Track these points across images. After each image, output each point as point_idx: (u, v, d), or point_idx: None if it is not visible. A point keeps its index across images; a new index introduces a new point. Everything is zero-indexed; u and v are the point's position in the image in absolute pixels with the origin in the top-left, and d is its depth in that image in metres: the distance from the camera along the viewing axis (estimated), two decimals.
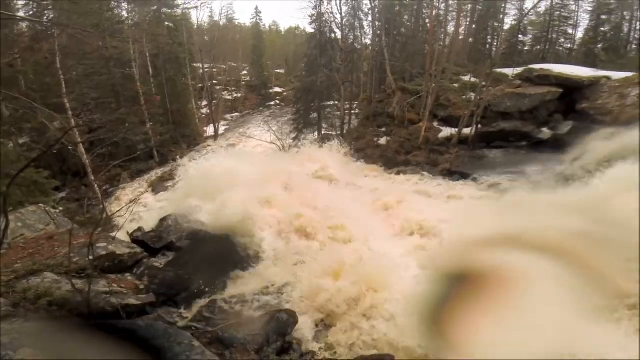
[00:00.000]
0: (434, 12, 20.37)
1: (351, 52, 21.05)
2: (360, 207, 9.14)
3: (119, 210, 5.39)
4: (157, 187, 12.90)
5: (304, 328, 4.58)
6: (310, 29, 21.38)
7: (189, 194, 9.00)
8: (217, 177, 9.85)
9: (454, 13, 21.97)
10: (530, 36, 21.11)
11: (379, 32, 19.62)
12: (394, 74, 17.25)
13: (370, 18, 20.34)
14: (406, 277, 5.66)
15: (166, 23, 21.64)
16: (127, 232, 6.51)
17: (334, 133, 19.92)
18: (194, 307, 4.83)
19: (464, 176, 10.47)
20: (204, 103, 27.59)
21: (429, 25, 18.10)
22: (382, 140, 15.17)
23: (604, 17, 20.28)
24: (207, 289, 5.32)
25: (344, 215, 7.86)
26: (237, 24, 40.43)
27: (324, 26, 20.26)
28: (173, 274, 5.25)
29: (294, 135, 20.94)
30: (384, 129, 15.68)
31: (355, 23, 21.96)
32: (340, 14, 20.50)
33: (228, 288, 5.51)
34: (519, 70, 13.97)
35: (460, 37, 22.06)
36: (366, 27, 22.18)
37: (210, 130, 24.13)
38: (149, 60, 19.02)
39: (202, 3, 20.61)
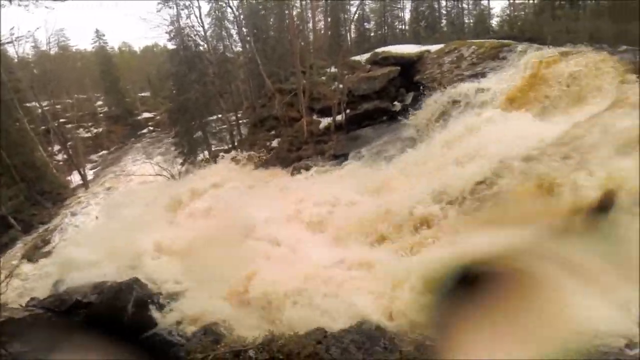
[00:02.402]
0: (295, 11, 23.23)
1: (224, 62, 22.17)
2: (276, 212, 10.69)
3: None
4: (33, 255, 11.91)
5: None
6: (171, 45, 21.66)
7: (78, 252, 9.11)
8: (106, 230, 10.00)
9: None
10: (373, 23, 25.94)
11: (248, 38, 21.32)
12: (270, 76, 19.23)
13: (237, 26, 21.86)
14: None
15: None
16: (20, 306, 6.53)
17: (226, 147, 20.91)
18: None
19: (345, 157, 13.17)
20: (57, 147, 24.64)
21: (289, 25, 20.67)
22: (274, 143, 17.05)
23: None
24: None
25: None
26: (74, 50, 36.59)
27: (187, 40, 20.86)
28: None
29: (181, 160, 21.05)
30: (273, 132, 17.59)
31: (223, 32, 23.15)
32: (202, 26, 21.50)
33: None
34: (367, 55, 17.61)
35: (322, 32, 25.56)
36: (235, 35, 23.62)
37: (76, 178, 21.89)
38: None
39: (17, 37, 18.34)
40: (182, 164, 20.95)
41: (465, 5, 23.88)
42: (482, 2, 23.95)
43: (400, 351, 4.56)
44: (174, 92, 22.08)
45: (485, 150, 8.00)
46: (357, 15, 25.43)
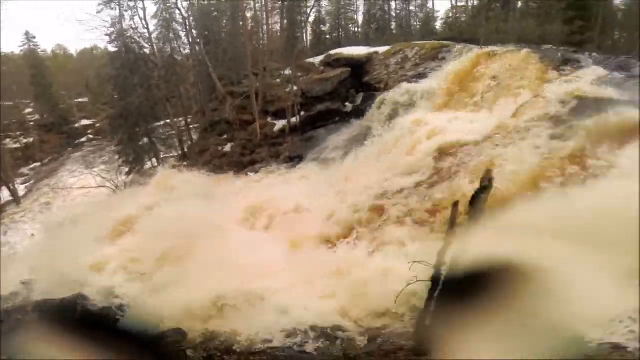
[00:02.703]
0: (250, 13, 22.98)
1: (171, 65, 21.26)
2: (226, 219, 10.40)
3: None
4: None
5: None
6: (112, 48, 20.53)
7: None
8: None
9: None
10: (328, 25, 26.47)
11: (198, 40, 20.69)
12: (222, 79, 18.77)
13: (187, 28, 21.10)
14: None
15: None
16: None
17: (175, 154, 20.03)
18: None
19: (300, 158, 13.22)
20: None
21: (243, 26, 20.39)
22: (227, 147, 16.60)
23: (372, 1, 27.54)
24: None
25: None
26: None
27: (130, 43, 19.86)
28: None
29: (127, 170, 19.84)
30: (225, 136, 17.12)
31: (170, 34, 22.24)
32: (147, 28, 20.51)
33: None
34: (321, 57, 17.88)
35: (278, 34, 25.47)
36: (184, 37, 22.79)
37: (5, 194, 19.85)
38: None
39: None
40: (128, 174, 19.77)
41: (412, 8, 25.13)
42: (428, 5, 25.44)
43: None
44: (115, 97, 20.90)
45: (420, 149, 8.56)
46: (313, 17, 25.90)
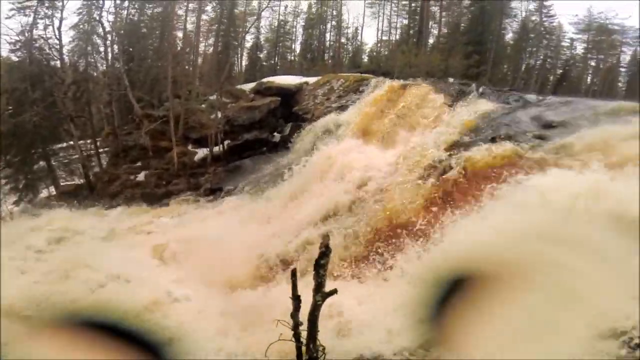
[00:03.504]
0: (181, 32, 21.95)
1: (83, 81, 19.10)
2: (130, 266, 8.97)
3: None
4: None
5: None
6: (14, 57, 18.15)
7: None
8: None
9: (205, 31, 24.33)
10: (265, 52, 26.52)
11: (117, 56, 19.00)
12: (141, 100, 17.24)
13: (107, 42, 19.40)
14: None
15: None
16: None
17: (78, 181, 17.56)
18: None
19: (222, 191, 12.32)
20: None
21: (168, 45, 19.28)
22: (141, 176, 14.96)
23: (310, 31, 28.38)
24: None
25: None
26: None
27: (38, 54, 17.63)
28: None
29: (15, 198, 16.81)
30: (139, 164, 15.48)
31: (89, 48, 20.20)
32: (60, 39, 18.15)
33: None
34: (252, 84, 17.50)
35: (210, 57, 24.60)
36: (103, 52, 20.89)
37: None
38: None
39: None
40: (16, 203, 16.77)
41: (344, 40, 26.46)
42: (357, 38, 27.04)
43: None
44: (9, 112, 18.01)
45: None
46: (251, 42, 25.76)
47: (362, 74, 16.12)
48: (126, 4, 21.54)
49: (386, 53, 24.22)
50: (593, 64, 25.83)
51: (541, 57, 25.38)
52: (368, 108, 12.39)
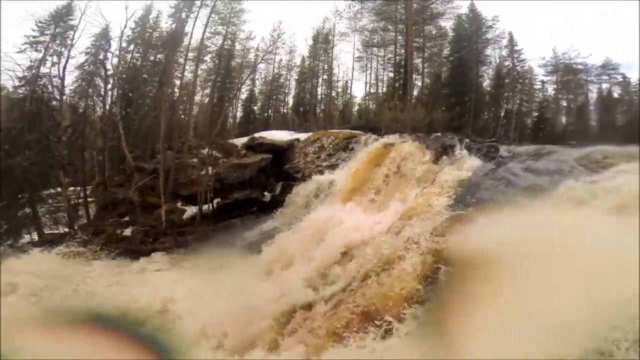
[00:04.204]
0: (179, 81, 22.48)
1: (80, 123, 19.16)
2: None
3: None
4: None
5: None
6: (15, 92, 17.80)
7: None
8: None
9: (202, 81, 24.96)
10: (259, 104, 27.49)
11: (115, 101, 19.08)
12: (134, 150, 17.29)
13: (109, 86, 19.44)
14: None
15: None
16: None
17: (63, 231, 17.19)
18: None
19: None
20: None
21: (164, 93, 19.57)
22: (127, 231, 14.81)
23: (302, 84, 29.65)
24: None
25: None
26: None
27: (42, 91, 17.50)
28: None
29: None
30: (127, 218, 15.37)
31: (90, 90, 20.47)
32: (62, 78, 18.31)
33: None
34: (245, 139, 17.94)
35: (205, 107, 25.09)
36: (102, 96, 21.02)
37: None
38: None
39: None
40: None
41: (334, 94, 27.65)
42: (347, 91, 28.30)
43: None
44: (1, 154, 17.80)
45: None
46: (244, 95, 26.62)
47: (352, 131, 16.64)
48: (131, 47, 22.24)
49: (373, 107, 25.22)
50: (564, 104, 26.88)
51: (517, 101, 26.29)
52: (358, 168, 12.67)
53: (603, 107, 25.85)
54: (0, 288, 6.00)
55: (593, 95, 26.42)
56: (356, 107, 27.61)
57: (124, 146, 16.65)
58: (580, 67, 25.70)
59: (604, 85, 26.22)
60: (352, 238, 9.04)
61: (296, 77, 29.78)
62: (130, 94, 20.71)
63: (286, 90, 29.18)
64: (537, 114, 26.57)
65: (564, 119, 27.06)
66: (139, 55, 22.30)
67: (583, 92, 26.42)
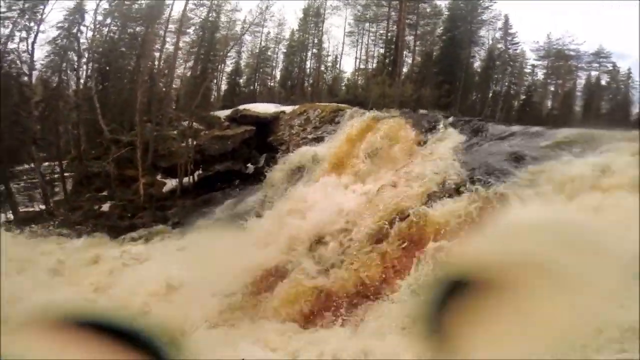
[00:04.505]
0: (159, 54, 21.60)
1: (53, 98, 18.31)
2: None
3: None
4: None
5: None
6: None
7: None
8: None
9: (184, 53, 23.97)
10: (245, 77, 26.52)
11: (90, 75, 18.45)
12: (111, 123, 16.59)
13: (84, 59, 18.72)
14: None
15: None
16: None
17: (39, 208, 16.56)
18: None
19: (190, 225, 11.78)
20: None
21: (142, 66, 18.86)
22: (105, 206, 14.28)
23: (291, 57, 28.61)
24: None
25: None
26: None
27: (10, 67, 17.06)
28: None
29: None
30: (105, 192, 14.79)
31: (64, 65, 19.51)
32: (32, 53, 17.51)
33: None
34: (228, 112, 17.24)
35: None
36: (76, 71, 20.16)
37: None
38: None
39: None
40: None
41: (323, 68, 26.81)
42: (337, 66, 27.48)
43: None
44: None
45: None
46: (230, 67, 25.62)
47: (339, 104, 16.14)
48: (108, 20, 21.48)
49: (362, 83, 24.64)
50: (552, 89, 27.18)
51: (506, 84, 26.37)
52: (342, 141, 12.18)
53: (589, 94, 26.27)
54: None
55: (582, 82, 26.74)
56: (345, 82, 26.94)
57: (100, 119, 15.88)
58: (572, 53, 25.73)
59: (593, 73, 26.42)
60: (331, 218, 8.68)
61: (284, 51, 28.79)
62: (107, 68, 19.93)
63: (274, 64, 28.19)
64: (524, 97, 26.77)
65: (549, 104, 27.41)
66: (116, 28, 21.30)
67: (572, 78, 26.62)
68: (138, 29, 21.91)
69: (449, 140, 10.37)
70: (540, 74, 26.80)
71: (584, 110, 25.57)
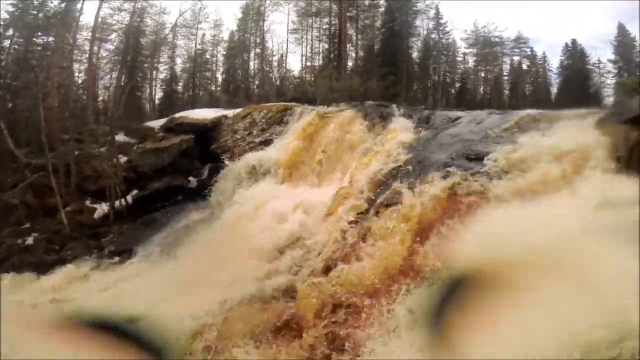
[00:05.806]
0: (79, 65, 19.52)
1: None
2: None
3: None
4: None
5: None
6: None
7: None
8: None
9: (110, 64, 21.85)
10: (182, 83, 25.04)
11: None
12: (22, 146, 14.61)
13: None
14: None
15: None
16: None
17: None
18: None
19: (130, 252, 10.67)
20: None
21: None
22: (30, 240, 12.57)
23: (232, 60, 27.45)
24: None
25: None
26: None
27: None
28: None
29: None
30: (28, 225, 13.02)
31: None
32: None
33: None
34: (163, 121, 15.97)
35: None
36: None
37: None
38: None
39: None
40: None
41: (267, 68, 26.09)
42: (283, 65, 26.94)
43: None
44: None
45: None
46: (164, 74, 24.02)
47: (286, 103, 15.64)
48: (10, 32, 19.25)
49: (310, 79, 24.38)
50: (483, 75, 29.33)
51: (442, 72, 28.19)
52: (294, 142, 11.84)
53: (514, 78, 28.61)
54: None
55: (507, 67, 29.17)
56: (292, 81, 26.49)
57: (9, 142, 13.84)
58: (497, 40, 28.06)
59: (515, 58, 28.93)
60: (290, 229, 8.39)
61: (224, 53, 27.64)
62: (15, 83, 17.71)
63: (214, 67, 27.00)
64: (459, 84, 28.68)
65: (481, 89, 29.63)
66: (22, 40, 19.45)
67: (498, 64, 28.94)
68: (50, 39, 20.03)
69: (401, 130, 10.27)
70: (471, 62, 28.84)
71: (511, 94, 27.87)
